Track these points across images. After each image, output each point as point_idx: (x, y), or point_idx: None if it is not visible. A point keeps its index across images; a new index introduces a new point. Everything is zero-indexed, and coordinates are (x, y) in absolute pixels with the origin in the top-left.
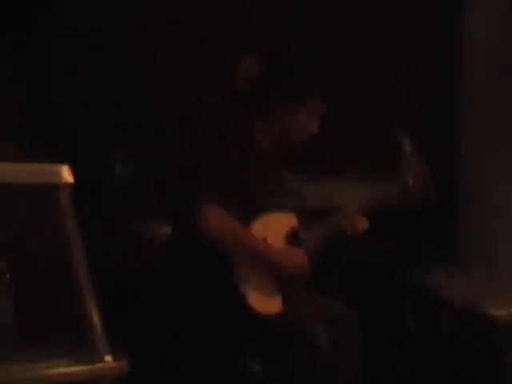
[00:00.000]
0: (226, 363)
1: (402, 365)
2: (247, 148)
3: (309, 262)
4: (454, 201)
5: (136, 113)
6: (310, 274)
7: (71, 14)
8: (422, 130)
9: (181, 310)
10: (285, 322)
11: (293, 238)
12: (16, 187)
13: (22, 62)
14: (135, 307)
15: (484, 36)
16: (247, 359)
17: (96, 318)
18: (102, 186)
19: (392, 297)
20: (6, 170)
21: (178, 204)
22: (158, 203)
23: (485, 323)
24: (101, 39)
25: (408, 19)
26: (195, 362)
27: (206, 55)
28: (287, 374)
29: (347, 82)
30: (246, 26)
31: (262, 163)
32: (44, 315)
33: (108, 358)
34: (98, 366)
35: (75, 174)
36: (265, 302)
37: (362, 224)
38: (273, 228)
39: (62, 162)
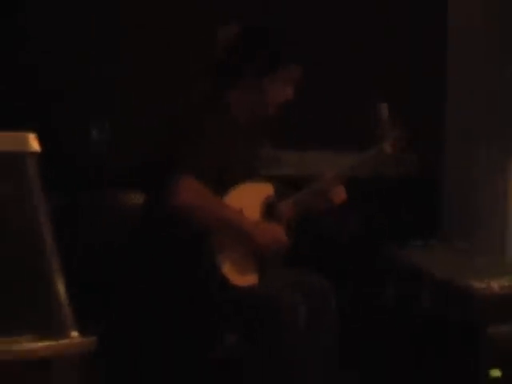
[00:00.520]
0: (200, 336)
1: (380, 338)
2: (222, 119)
3: (285, 234)
4: (436, 173)
5: (115, 83)
6: (286, 246)
7: None
8: (408, 102)
9: (154, 283)
10: (260, 294)
11: (269, 207)
12: None
13: None
14: (108, 281)
15: (466, 24)
16: (222, 332)
17: (62, 293)
18: (77, 156)
19: (370, 269)
20: None
21: (152, 174)
22: (133, 173)
23: (464, 296)
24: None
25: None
26: (169, 336)
27: (185, 27)
28: (263, 347)
29: (326, 52)
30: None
31: (237, 134)
32: (7, 289)
33: (74, 333)
34: (64, 341)
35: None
36: (240, 274)
37: (341, 192)
38: (248, 198)
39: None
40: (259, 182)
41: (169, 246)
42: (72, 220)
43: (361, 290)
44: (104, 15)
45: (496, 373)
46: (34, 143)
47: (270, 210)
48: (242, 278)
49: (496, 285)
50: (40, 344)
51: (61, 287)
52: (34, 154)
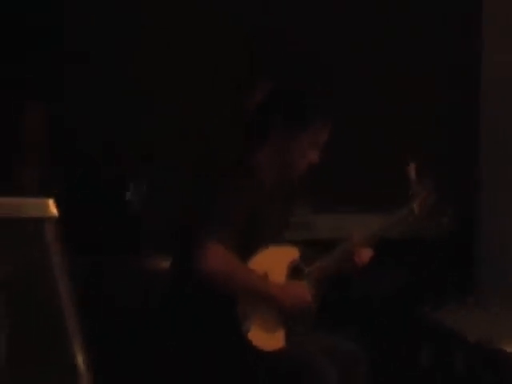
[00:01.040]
0: None
1: None
2: (248, 184)
3: (311, 296)
4: (470, 235)
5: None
6: (314, 309)
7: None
8: (439, 164)
9: (182, 349)
10: (288, 359)
11: (295, 271)
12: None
13: None
14: (134, 345)
15: (501, 75)
16: None
17: (81, 360)
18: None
19: (404, 331)
20: None
21: (180, 240)
22: (163, 238)
23: (497, 359)
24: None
25: (425, 52)
26: None
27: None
28: None
29: (356, 111)
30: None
31: (263, 198)
32: (26, 356)
33: None
34: None
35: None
36: (266, 338)
37: (367, 253)
38: (273, 262)
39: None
40: (285, 246)
41: (195, 313)
42: (97, 284)
43: (394, 353)
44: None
45: None
46: (52, 208)
47: (295, 274)
48: (269, 341)
49: None
50: None
51: (80, 354)
52: (52, 218)
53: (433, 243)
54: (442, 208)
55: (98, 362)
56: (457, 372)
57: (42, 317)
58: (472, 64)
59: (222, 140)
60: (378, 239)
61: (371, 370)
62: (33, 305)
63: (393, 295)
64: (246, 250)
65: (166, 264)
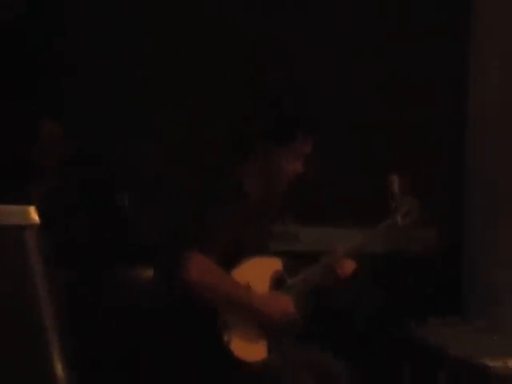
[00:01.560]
0: None
1: None
2: (233, 196)
3: (294, 308)
4: (456, 250)
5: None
6: (296, 321)
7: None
8: (425, 177)
9: (164, 359)
10: (269, 370)
11: (278, 282)
12: None
13: None
14: (117, 354)
15: (487, 93)
16: None
17: (59, 369)
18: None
19: (386, 346)
20: None
21: (164, 250)
22: (148, 248)
23: (480, 374)
24: None
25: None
26: None
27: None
28: None
29: (341, 125)
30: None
31: (248, 210)
32: (4, 361)
33: None
34: None
35: None
36: (248, 349)
37: (350, 266)
38: (257, 273)
39: None
40: (268, 257)
41: (177, 322)
42: (82, 293)
43: (376, 368)
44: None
45: None
46: (33, 216)
47: (278, 285)
48: (250, 352)
49: None
50: None
51: (58, 363)
52: (33, 226)
53: (418, 260)
54: (428, 224)
55: (80, 371)
56: None
57: (21, 325)
58: (460, 78)
59: (209, 153)
60: (362, 253)
61: None
62: (12, 312)
63: (376, 311)
64: (230, 260)
65: (150, 274)
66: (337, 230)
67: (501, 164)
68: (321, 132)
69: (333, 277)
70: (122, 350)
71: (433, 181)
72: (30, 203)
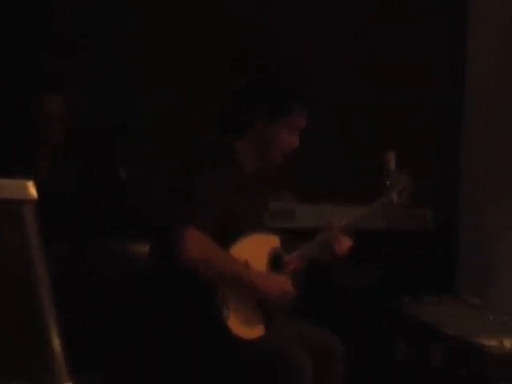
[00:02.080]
0: None
1: None
2: (228, 170)
3: (291, 286)
4: (451, 228)
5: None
6: (293, 298)
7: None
8: (421, 155)
9: (161, 335)
10: (267, 348)
11: (275, 259)
12: None
13: None
14: (113, 330)
15: (484, 75)
16: None
17: (56, 342)
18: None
19: (380, 322)
20: None
21: (159, 226)
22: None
23: (475, 352)
24: None
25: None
26: None
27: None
28: None
29: (338, 101)
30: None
31: (243, 185)
32: (1, 335)
33: None
34: None
35: None
36: (247, 326)
37: (347, 242)
38: (254, 250)
39: None
40: (265, 234)
41: (174, 298)
42: (77, 268)
43: (370, 344)
44: None
45: None
46: (31, 191)
47: (275, 262)
48: (248, 330)
49: (508, 343)
50: None
51: (55, 337)
52: (31, 201)
53: (413, 237)
54: (423, 201)
55: (76, 346)
56: (433, 365)
57: (18, 299)
58: (458, 59)
59: (202, 127)
60: (358, 229)
61: (347, 362)
62: (9, 287)
63: (370, 287)
64: (227, 237)
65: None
66: (333, 207)
67: (496, 142)
68: (318, 109)
69: (330, 253)
70: (116, 325)
71: (428, 159)
72: (35, 177)
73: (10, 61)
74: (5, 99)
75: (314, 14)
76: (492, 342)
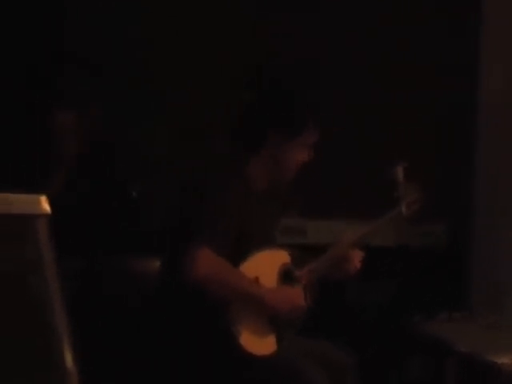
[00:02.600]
0: None
1: None
2: (239, 187)
3: (303, 301)
4: (463, 245)
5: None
6: (305, 313)
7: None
8: (433, 170)
9: (172, 353)
10: (278, 364)
11: (286, 275)
12: None
13: None
14: (124, 347)
15: (500, 87)
16: None
17: (69, 358)
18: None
19: (392, 340)
20: None
21: (170, 244)
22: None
23: (488, 370)
24: None
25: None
26: None
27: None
28: None
29: (349, 117)
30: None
31: (255, 202)
32: (13, 352)
33: None
34: None
35: None
36: (258, 343)
37: (359, 255)
38: (265, 266)
39: None
40: (276, 250)
41: (184, 317)
42: (90, 284)
43: (383, 362)
44: None
45: None
46: (45, 205)
47: (286, 278)
48: (260, 346)
49: None
50: None
51: (68, 352)
52: (44, 216)
53: (426, 254)
54: (436, 218)
55: (87, 362)
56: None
57: (31, 314)
58: (471, 67)
59: (213, 146)
60: (369, 246)
61: (359, 380)
62: (22, 302)
63: (382, 305)
64: (237, 254)
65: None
66: (345, 223)
67: (511, 157)
68: (327, 123)
69: (341, 268)
70: (127, 343)
71: (442, 175)
72: (47, 193)
73: (24, 76)
74: (19, 114)
75: (327, 13)
76: (506, 360)
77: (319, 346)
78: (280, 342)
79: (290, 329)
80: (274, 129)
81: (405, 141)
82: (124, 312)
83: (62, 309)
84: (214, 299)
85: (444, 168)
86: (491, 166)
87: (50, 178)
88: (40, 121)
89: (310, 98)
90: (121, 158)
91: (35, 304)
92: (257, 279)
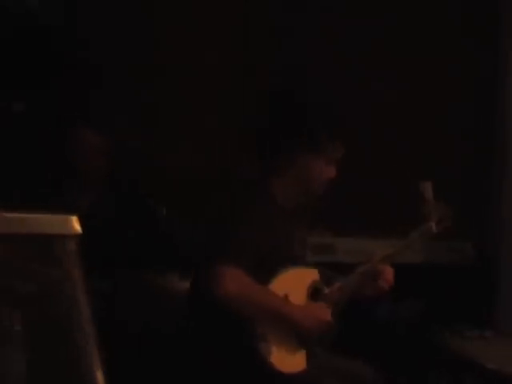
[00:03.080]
0: None
1: None
2: (265, 206)
3: (332, 318)
4: (492, 262)
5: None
6: (334, 330)
7: None
8: (461, 188)
9: (201, 372)
10: (308, 381)
11: (315, 292)
12: (23, 238)
13: None
14: (150, 366)
15: None
16: None
17: (100, 380)
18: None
19: (420, 358)
20: (14, 220)
21: (199, 263)
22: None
23: None
24: None
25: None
26: None
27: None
28: None
29: (376, 136)
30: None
31: (281, 220)
32: (45, 371)
33: None
34: None
35: None
36: (288, 360)
37: (389, 272)
38: (294, 284)
39: None
40: (305, 268)
41: (213, 337)
42: (110, 300)
43: (411, 379)
44: None
45: None
46: (75, 225)
47: (315, 295)
48: (290, 364)
49: None
50: None
51: (98, 371)
52: (75, 236)
53: (453, 271)
54: (463, 235)
55: (115, 380)
56: None
57: (62, 334)
58: (493, 83)
59: (241, 165)
60: (397, 263)
61: None
62: (52, 322)
63: (410, 322)
64: (265, 273)
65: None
66: (372, 241)
67: None
68: (352, 140)
69: (371, 285)
70: (154, 362)
71: (469, 191)
72: (73, 213)
73: (46, 96)
74: (43, 133)
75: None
76: None
77: (347, 364)
78: (309, 359)
79: (318, 346)
80: (298, 147)
81: (432, 158)
82: (152, 331)
83: (92, 328)
84: (243, 318)
85: (471, 184)
86: None
87: (76, 196)
88: (68, 141)
89: (335, 113)
90: (147, 178)
91: (65, 324)
92: (286, 296)
